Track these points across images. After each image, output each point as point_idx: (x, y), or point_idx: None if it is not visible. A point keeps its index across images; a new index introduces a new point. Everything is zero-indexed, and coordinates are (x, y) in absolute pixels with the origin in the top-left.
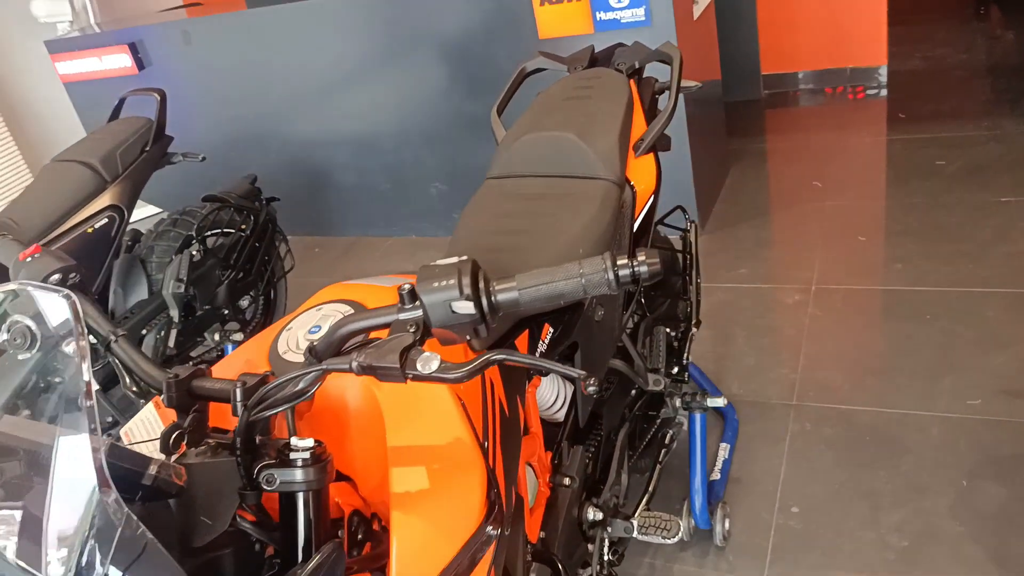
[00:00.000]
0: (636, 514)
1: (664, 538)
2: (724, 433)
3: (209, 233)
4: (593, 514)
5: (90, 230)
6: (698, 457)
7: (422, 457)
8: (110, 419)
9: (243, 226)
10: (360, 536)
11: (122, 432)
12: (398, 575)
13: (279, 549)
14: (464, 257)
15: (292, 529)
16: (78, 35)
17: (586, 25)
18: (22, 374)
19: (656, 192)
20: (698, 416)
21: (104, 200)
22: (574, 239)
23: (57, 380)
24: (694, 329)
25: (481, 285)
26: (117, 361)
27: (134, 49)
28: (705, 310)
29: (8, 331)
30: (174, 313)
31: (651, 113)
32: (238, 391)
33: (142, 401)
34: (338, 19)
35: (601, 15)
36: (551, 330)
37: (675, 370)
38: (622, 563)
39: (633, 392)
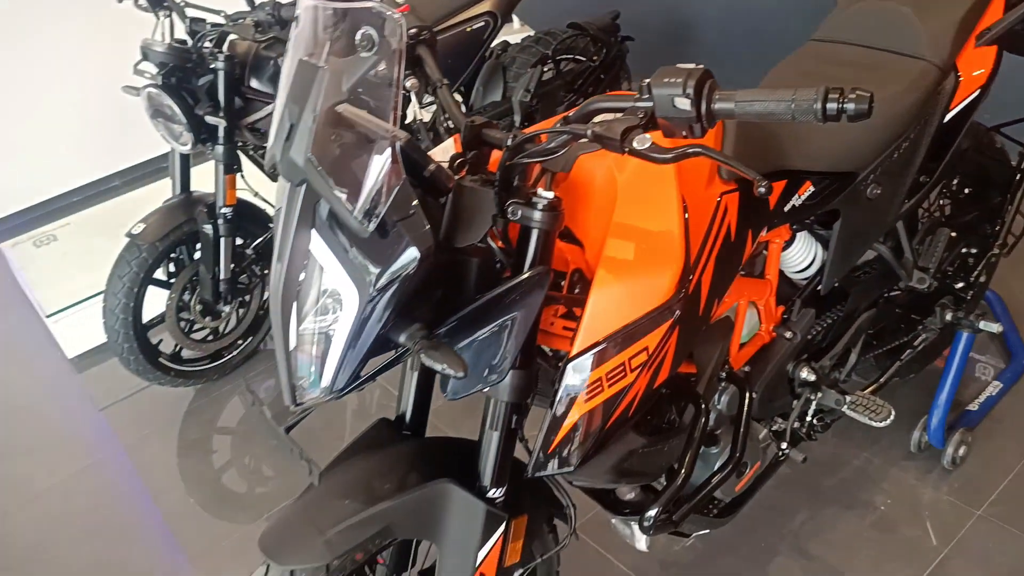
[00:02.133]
0: (853, 393)
1: (871, 420)
2: (1003, 372)
3: (563, 57)
4: (806, 373)
5: (468, 29)
6: (951, 375)
7: (635, 235)
8: (424, 145)
9: (595, 57)
10: (576, 290)
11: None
12: (588, 317)
13: (512, 274)
14: (700, 65)
15: (523, 258)
16: None
17: None
18: (363, 69)
19: (984, 89)
20: (964, 335)
21: (484, 6)
22: None
23: (383, 81)
24: (998, 251)
25: (704, 91)
26: (438, 102)
27: None
28: None
29: (360, 36)
30: (516, 119)
31: None
32: (508, 141)
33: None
34: None
35: None
36: (811, 188)
37: (959, 285)
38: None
39: (898, 287)
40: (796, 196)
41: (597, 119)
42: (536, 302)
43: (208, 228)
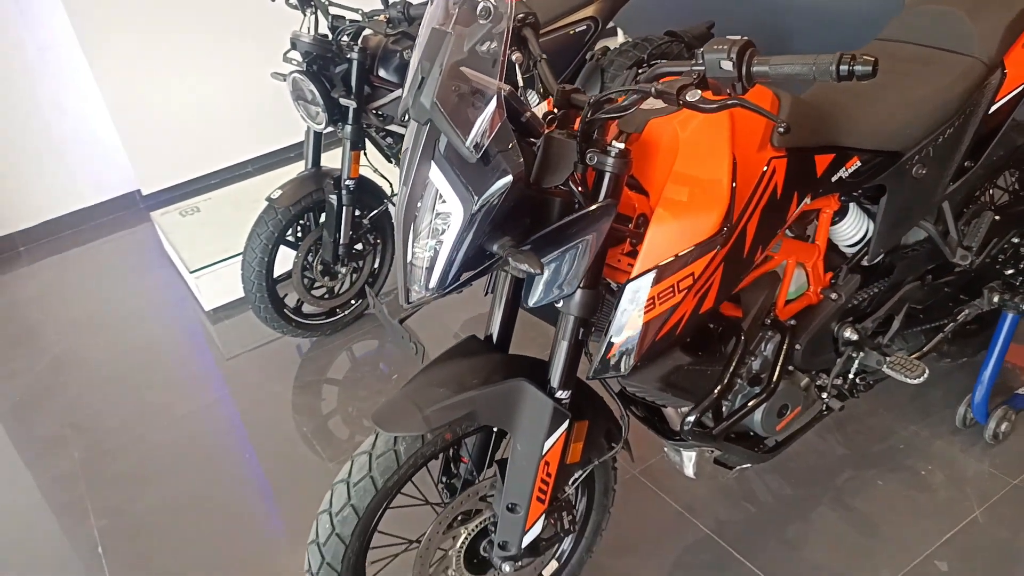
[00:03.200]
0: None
1: (906, 377)
2: None
3: (658, 61)
4: (849, 333)
5: (572, 32)
6: (995, 354)
7: (690, 182)
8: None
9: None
10: (641, 230)
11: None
12: (647, 247)
13: None
14: (744, 37)
15: (596, 196)
16: None
17: None
18: (480, 35)
19: None
20: (1009, 316)
21: (588, 11)
22: (912, 101)
23: (494, 45)
24: None
25: (745, 56)
26: (536, 73)
27: None
28: None
29: (480, 8)
30: None
31: None
32: (589, 102)
33: (538, 100)
34: None
35: None
36: (858, 163)
37: (1009, 272)
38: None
39: (949, 269)
40: (843, 169)
41: (661, 83)
42: (603, 228)
43: (333, 197)
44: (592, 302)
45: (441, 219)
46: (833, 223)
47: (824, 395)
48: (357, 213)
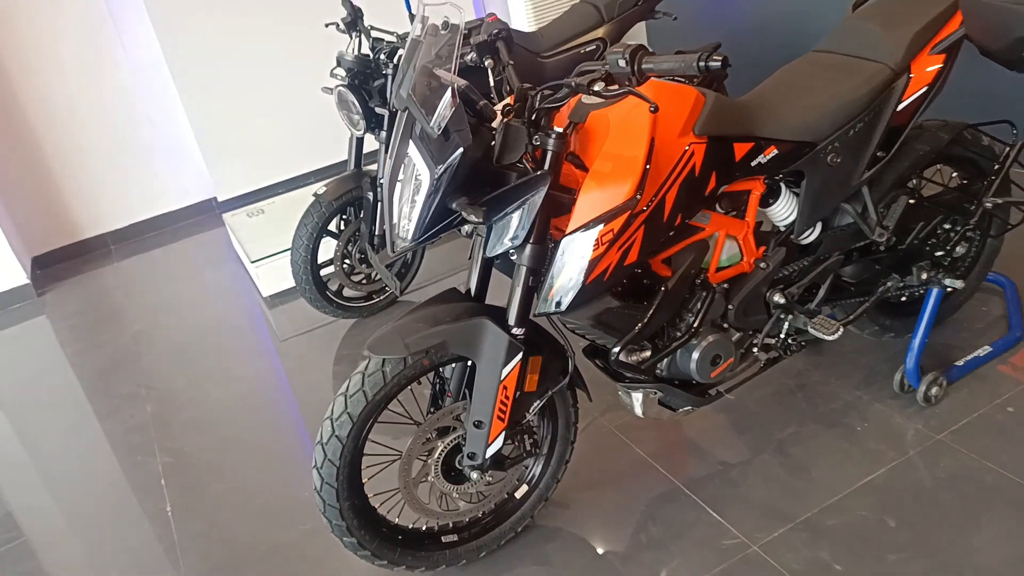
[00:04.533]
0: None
1: (824, 334)
2: (997, 340)
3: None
4: (778, 298)
5: (582, 51)
6: (923, 323)
7: (613, 158)
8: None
9: (694, 79)
10: None
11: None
12: (577, 209)
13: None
14: (637, 43)
15: (540, 168)
16: None
17: None
18: (441, 43)
19: (932, 87)
20: (934, 291)
21: (599, 32)
22: (825, 101)
23: (449, 50)
24: (971, 226)
25: (636, 57)
26: (505, 76)
27: None
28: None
29: (441, 23)
30: None
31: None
32: (533, 95)
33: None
34: None
35: None
36: (775, 151)
37: (939, 253)
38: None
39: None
40: (762, 156)
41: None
42: (542, 191)
43: (370, 195)
44: (539, 255)
45: (415, 185)
46: (768, 205)
47: (755, 350)
48: None
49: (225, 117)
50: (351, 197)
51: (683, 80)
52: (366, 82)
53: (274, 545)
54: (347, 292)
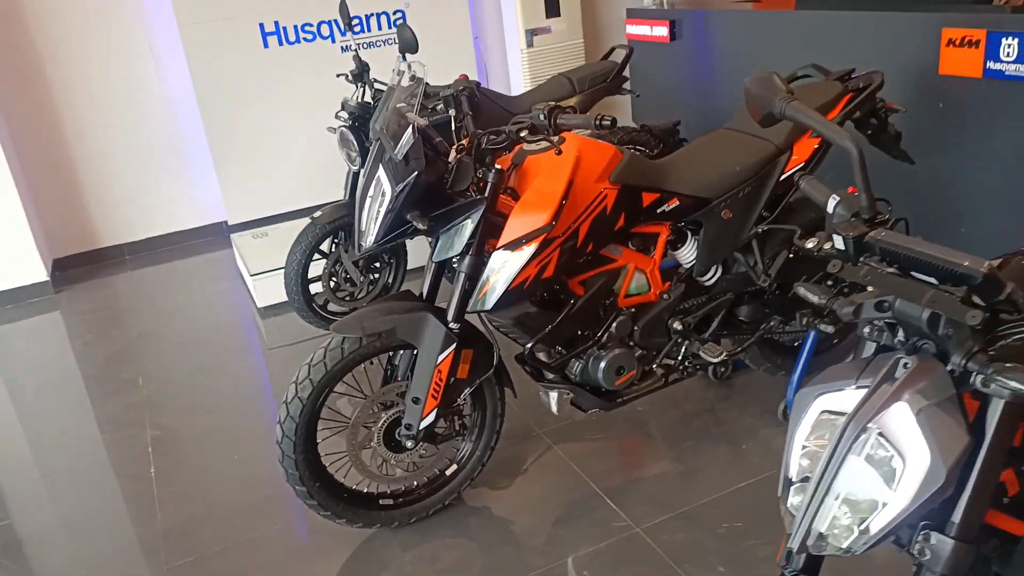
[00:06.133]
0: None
1: (709, 356)
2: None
3: (627, 146)
4: (677, 325)
5: None
6: (801, 361)
7: (538, 193)
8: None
9: (654, 150)
10: None
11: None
12: (507, 228)
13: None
14: (553, 103)
15: (482, 195)
16: (652, 8)
17: (975, 71)
18: (412, 89)
19: (806, 164)
20: (812, 333)
21: (570, 102)
22: (722, 166)
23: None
24: None
25: (553, 115)
26: (463, 124)
27: (672, 25)
28: None
29: (411, 75)
30: None
31: (880, 123)
32: (481, 138)
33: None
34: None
35: (991, 64)
36: (677, 203)
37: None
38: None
39: (770, 295)
40: (666, 205)
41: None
42: (478, 212)
43: None
44: (476, 265)
45: (380, 200)
46: (676, 248)
47: (655, 366)
48: None
49: (243, 150)
50: (343, 222)
51: (612, 139)
52: (364, 125)
53: (241, 504)
54: (332, 307)
